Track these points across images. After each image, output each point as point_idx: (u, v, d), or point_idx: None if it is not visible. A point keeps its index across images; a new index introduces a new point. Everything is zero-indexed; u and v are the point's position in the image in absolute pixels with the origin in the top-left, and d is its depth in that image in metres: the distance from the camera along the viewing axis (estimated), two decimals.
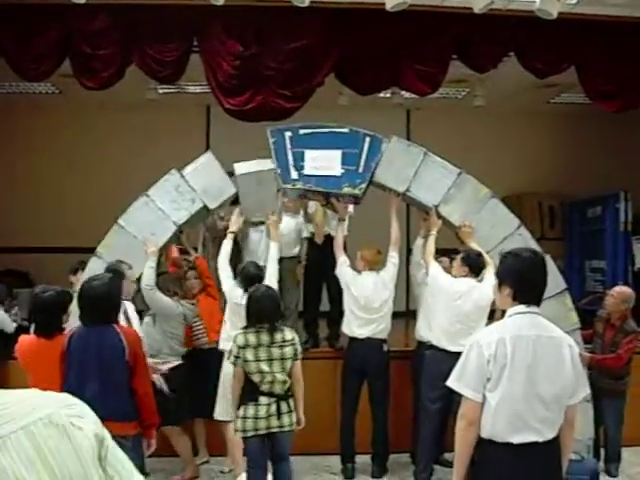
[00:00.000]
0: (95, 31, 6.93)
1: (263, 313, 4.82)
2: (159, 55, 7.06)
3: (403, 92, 8.67)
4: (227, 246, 6.02)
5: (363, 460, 6.24)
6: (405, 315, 6.83)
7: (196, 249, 6.96)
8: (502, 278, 3.31)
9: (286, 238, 7.34)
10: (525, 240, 6.17)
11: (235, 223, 6.17)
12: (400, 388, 6.40)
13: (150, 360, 5.00)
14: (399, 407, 6.37)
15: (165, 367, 5.68)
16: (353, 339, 6.25)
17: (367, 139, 6.25)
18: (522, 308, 3.22)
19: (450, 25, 7.08)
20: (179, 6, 6.88)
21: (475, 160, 9.21)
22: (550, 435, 3.11)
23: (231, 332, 5.32)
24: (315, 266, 7.23)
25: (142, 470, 4.23)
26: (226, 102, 7.26)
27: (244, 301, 5.07)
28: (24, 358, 4.52)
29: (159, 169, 6.42)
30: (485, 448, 3.11)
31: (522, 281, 3.22)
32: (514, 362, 3.07)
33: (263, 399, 4.75)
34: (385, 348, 6.22)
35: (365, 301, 6.14)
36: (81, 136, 10.41)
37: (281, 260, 7.23)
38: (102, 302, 4.15)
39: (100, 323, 4.14)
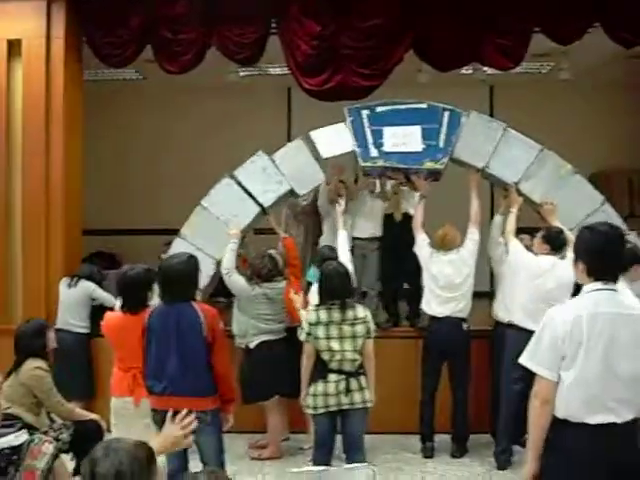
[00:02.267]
0: (176, 16, 7.06)
1: (334, 290, 4.81)
2: (238, 37, 7.12)
3: (485, 68, 8.47)
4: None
5: (443, 439, 6.21)
6: (489, 295, 6.73)
7: None
8: (577, 253, 3.22)
9: (368, 218, 7.34)
10: (609, 217, 6.00)
11: None
12: (481, 367, 6.33)
13: None
14: (480, 387, 6.31)
15: None
16: (433, 318, 6.21)
17: (446, 113, 6.23)
18: (599, 285, 3.11)
19: None
20: None
21: (561, 136, 8.99)
22: (629, 416, 3.01)
23: None
24: (393, 244, 7.19)
25: (220, 445, 4.34)
26: (305, 82, 7.27)
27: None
28: (111, 334, 4.71)
29: (241, 151, 6.59)
30: (560, 428, 3.03)
31: (596, 256, 3.12)
32: (590, 340, 2.98)
33: (332, 376, 4.73)
34: (465, 327, 6.15)
35: (444, 279, 6.08)
36: (165, 120, 10.63)
37: (362, 240, 7.28)
38: (180, 280, 4.26)
39: (179, 301, 4.25)
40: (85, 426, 5.02)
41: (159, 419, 4.26)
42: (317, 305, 4.90)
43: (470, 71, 8.89)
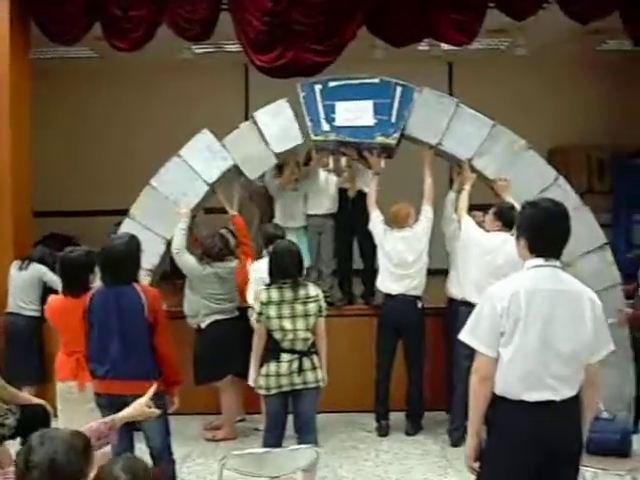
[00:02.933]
0: None
1: (285, 268, 4.74)
2: (188, 14, 6.97)
3: (443, 44, 8.40)
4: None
5: (397, 417, 6.20)
6: (445, 272, 6.72)
7: None
8: (518, 229, 3.19)
9: (324, 194, 7.27)
10: (565, 192, 6.01)
11: None
12: (436, 345, 6.31)
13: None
14: (435, 364, 6.30)
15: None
16: (387, 295, 6.20)
17: (398, 88, 6.16)
18: (540, 261, 3.07)
19: None
20: None
21: (520, 112, 9.05)
22: (568, 393, 2.98)
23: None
24: (346, 221, 7.14)
25: (165, 428, 4.27)
26: (257, 59, 7.16)
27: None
28: (53, 317, 4.63)
29: (198, 130, 6.43)
30: (499, 406, 3.02)
31: (537, 232, 3.08)
32: (528, 316, 2.96)
33: (285, 356, 4.67)
34: (420, 305, 6.13)
35: (398, 257, 6.06)
36: (121, 100, 10.44)
37: (318, 217, 7.20)
38: (121, 262, 4.18)
39: (120, 282, 4.16)
40: (32, 410, 4.93)
41: (103, 403, 4.20)
42: (268, 284, 4.82)
43: (426, 47, 8.82)
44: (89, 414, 4.31)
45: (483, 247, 5.56)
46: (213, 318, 6.04)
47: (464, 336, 3.12)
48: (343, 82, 6.23)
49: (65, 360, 4.54)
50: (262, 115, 6.31)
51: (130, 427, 4.24)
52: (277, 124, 6.25)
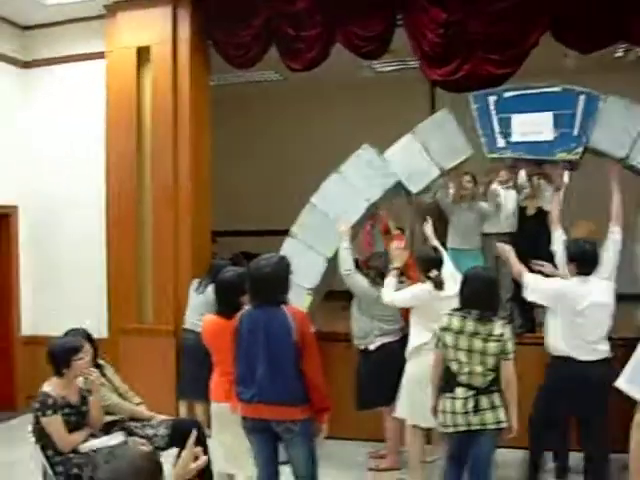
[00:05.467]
0: (298, 12, 6.92)
1: (472, 297, 4.37)
2: (362, 31, 6.87)
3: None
4: (391, 281, 5.52)
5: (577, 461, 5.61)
6: (637, 298, 6.04)
7: (401, 229, 6.72)
8: None
9: (502, 212, 6.86)
10: None
11: (398, 257, 5.61)
12: None
13: None
14: (619, 402, 5.62)
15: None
16: None
17: (582, 97, 5.66)
18: None
19: None
20: None
21: None
22: None
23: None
24: (526, 241, 6.64)
25: (310, 456, 4.11)
26: (433, 73, 6.88)
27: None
28: (207, 338, 4.63)
29: (383, 149, 6.31)
30: None
31: None
32: None
33: (460, 391, 4.32)
34: None
35: None
36: (301, 121, 10.67)
37: (495, 236, 6.78)
38: (268, 283, 4.07)
39: (267, 304, 4.06)
40: (185, 423, 5.05)
41: (248, 426, 4.14)
42: (453, 309, 4.49)
43: (622, 54, 8.10)
44: (238, 436, 4.27)
45: None
46: (383, 340, 5.81)
47: (622, 384, 2.66)
48: (520, 92, 5.82)
49: (219, 381, 4.52)
50: (424, 128, 6.05)
51: (275, 453, 4.16)
52: (439, 137, 5.99)
